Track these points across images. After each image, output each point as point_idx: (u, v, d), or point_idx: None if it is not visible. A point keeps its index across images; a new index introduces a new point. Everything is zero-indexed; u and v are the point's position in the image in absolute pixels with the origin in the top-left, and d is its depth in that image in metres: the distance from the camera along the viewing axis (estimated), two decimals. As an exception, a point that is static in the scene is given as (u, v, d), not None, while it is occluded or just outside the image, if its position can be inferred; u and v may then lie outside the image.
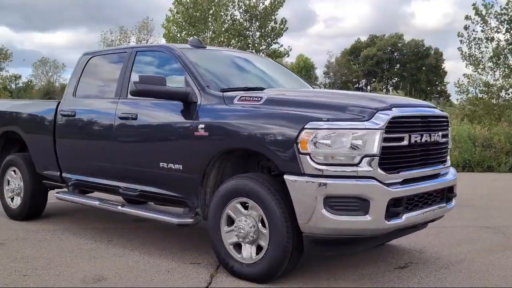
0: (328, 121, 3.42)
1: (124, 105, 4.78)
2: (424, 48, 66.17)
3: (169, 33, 23.44)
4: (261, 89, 4.39)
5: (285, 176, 3.51)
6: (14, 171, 6.10)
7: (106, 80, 5.32)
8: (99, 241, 5.02)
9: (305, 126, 3.41)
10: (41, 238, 5.13)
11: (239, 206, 3.83)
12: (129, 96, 4.81)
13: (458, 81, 17.24)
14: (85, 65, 5.47)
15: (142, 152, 4.58)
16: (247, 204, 3.79)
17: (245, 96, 4.01)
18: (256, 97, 3.95)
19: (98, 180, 5.13)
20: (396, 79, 66.92)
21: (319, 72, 67.35)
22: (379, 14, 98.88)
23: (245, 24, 22.53)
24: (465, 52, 16.54)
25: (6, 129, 6.18)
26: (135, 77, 4.77)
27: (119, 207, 4.77)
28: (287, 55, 23.33)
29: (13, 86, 67.19)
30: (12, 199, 6.14)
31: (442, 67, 65.52)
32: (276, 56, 22.18)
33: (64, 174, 5.48)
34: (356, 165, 3.37)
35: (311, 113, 3.51)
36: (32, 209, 5.97)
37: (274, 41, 22.33)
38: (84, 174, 5.28)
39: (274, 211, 3.57)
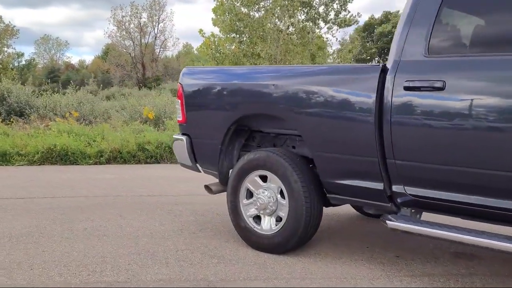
0: None
1: None
2: (441, 24, 64.28)
3: (222, 5, 20.99)
4: None
5: None
6: (262, 177, 3.92)
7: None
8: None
9: None
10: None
11: None
12: None
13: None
14: (442, 1, 3.22)
15: None
16: None
17: None
18: None
19: (480, 200, 2.98)
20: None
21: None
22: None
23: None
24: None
25: (251, 112, 3.99)
26: None
27: None
28: (356, 23, 21.18)
29: (15, 64, 64.03)
30: (258, 219, 3.98)
31: (459, 43, 63.74)
32: (346, 25, 20.18)
33: (395, 187, 3.29)
34: None
35: None
36: (304, 238, 3.83)
37: (344, 8, 20.11)
38: (450, 188, 3.10)
39: None
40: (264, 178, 3.95)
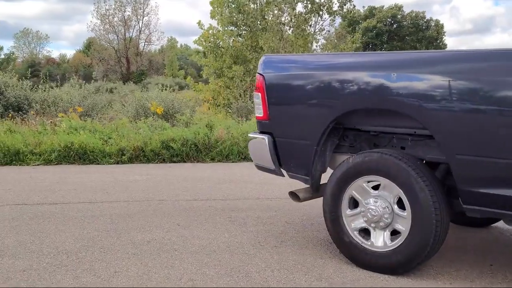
0: None
1: None
2: (425, 20, 64.66)
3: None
4: None
5: None
6: (373, 184, 3.33)
7: None
8: None
9: None
10: None
11: None
12: None
13: None
14: None
15: None
16: None
17: None
18: None
19: None
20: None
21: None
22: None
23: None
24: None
25: (360, 107, 3.40)
26: None
27: None
28: (359, 14, 20.81)
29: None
30: (365, 233, 3.38)
31: (443, 39, 64.21)
32: (352, 16, 19.85)
33: None
34: None
35: None
36: (429, 256, 3.25)
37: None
38: None
39: None
40: (374, 185, 3.36)
